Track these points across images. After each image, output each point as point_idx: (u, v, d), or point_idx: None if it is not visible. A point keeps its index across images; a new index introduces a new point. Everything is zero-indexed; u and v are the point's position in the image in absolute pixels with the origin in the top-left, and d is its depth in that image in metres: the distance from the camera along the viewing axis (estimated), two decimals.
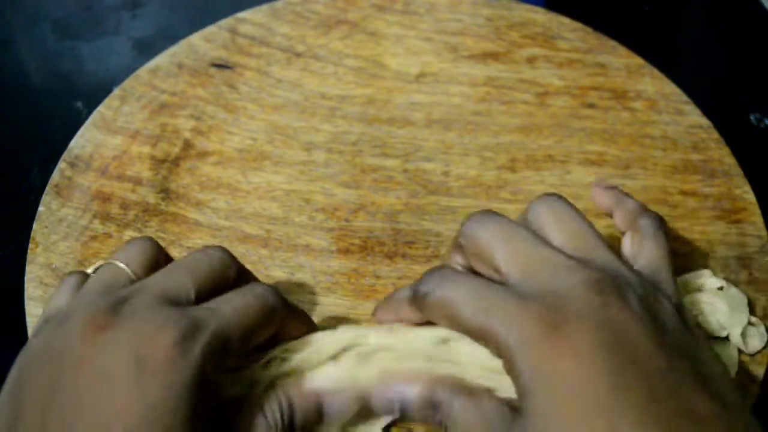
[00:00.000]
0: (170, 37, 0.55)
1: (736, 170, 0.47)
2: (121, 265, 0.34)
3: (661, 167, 0.47)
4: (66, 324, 0.31)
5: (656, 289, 0.33)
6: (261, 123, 0.50)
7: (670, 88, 0.52)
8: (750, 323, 0.40)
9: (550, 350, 0.30)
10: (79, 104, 0.54)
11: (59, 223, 0.44)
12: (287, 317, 0.35)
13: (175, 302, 0.32)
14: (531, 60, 0.53)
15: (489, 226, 0.34)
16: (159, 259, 0.35)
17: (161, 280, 0.33)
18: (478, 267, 0.35)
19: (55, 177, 0.46)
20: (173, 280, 0.33)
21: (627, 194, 0.41)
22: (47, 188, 0.46)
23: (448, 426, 0.33)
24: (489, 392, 0.34)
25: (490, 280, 0.34)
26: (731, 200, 0.46)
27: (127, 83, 0.51)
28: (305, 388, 0.34)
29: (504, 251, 0.33)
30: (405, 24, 0.55)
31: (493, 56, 0.54)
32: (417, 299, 0.34)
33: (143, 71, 0.52)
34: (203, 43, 0.54)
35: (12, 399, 0.30)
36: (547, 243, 0.34)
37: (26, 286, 0.42)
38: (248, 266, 0.42)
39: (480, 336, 0.32)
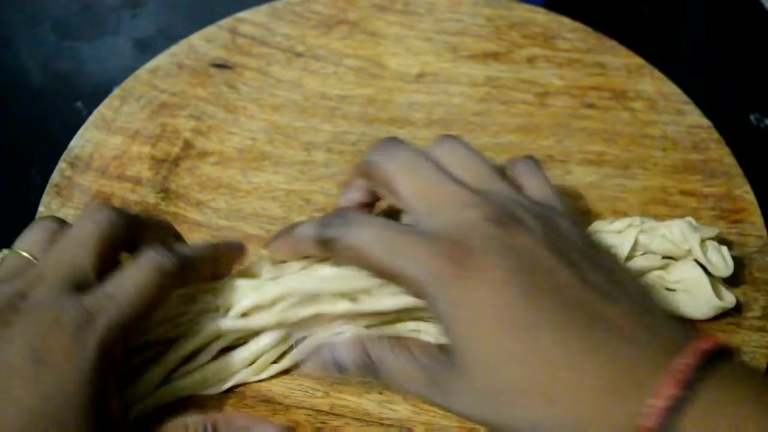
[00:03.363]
0: (170, 37, 0.55)
1: (736, 170, 0.47)
2: (23, 253, 0.34)
3: (661, 167, 0.47)
4: None
5: (553, 211, 0.35)
6: (261, 123, 0.49)
7: (670, 88, 0.52)
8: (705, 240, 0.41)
9: (462, 283, 0.31)
10: (79, 104, 0.54)
11: None
12: (197, 267, 0.36)
13: (75, 286, 0.32)
14: (531, 60, 0.53)
15: (395, 156, 0.36)
16: (60, 232, 0.35)
17: (58, 264, 0.33)
18: (382, 193, 0.37)
19: (55, 177, 0.46)
20: (69, 262, 0.33)
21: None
22: (47, 188, 0.46)
23: (384, 379, 0.35)
24: (417, 340, 0.36)
25: (392, 210, 0.36)
26: (731, 200, 0.46)
27: (127, 83, 0.51)
28: (231, 418, 0.35)
29: (409, 184, 0.35)
30: (405, 24, 0.55)
31: (493, 56, 0.54)
32: (324, 242, 0.35)
33: (143, 71, 0.52)
34: (203, 43, 0.54)
35: None
36: (450, 177, 0.35)
37: None
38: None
39: (393, 278, 0.33)
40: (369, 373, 0.35)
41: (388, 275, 0.34)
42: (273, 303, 0.38)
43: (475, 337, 0.31)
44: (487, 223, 0.33)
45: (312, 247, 0.37)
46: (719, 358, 0.28)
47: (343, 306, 0.38)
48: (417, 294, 0.33)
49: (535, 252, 0.32)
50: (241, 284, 0.38)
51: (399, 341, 0.35)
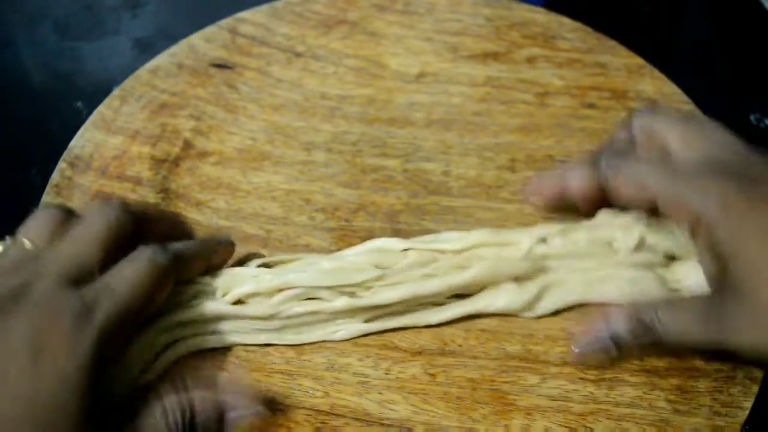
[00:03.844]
0: (170, 37, 0.55)
1: None
2: (27, 243, 0.35)
3: None
4: None
5: None
6: (261, 123, 0.50)
7: (670, 88, 0.52)
8: None
9: (752, 209, 0.34)
10: (79, 104, 0.54)
11: None
12: (190, 262, 0.37)
13: (77, 279, 0.33)
14: (531, 60, 0.53)
15: (662, 117, 0.40)
16: (66, 224, 0.36)
17: (62, 259, 0.33)
18: (646, 153, 0.40)
19: (55, 177, 0.46)
20: (74, 257, 0.34)
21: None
22: (47, 188, 0.46)
23: (662, 336, 0.37)
24: (677, 291, 0.39)
25: None
26: None
27: (127, 83, 0.51)
28: (208, 396, 0.34)
29: (679, 135, 0.38)
30: (405, 24, 0.55)
31: (493, 56, 0.54)
32: (604, 170, 0.39)
33: (143, 71, 0.52)
34: (203, 43, 0.54)
35: None
36: (713, 131, 0.39)
37: None
38: None
39: (675, 207, 0.37)
40: (645, 336, 0.37)
41: (669, 205, 0.37)
42: (270, 294, 0.38)
43: (760, 257, 0.34)
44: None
45: (586, 184, 0.40)
46: None
47: (342, 302, 0.39)
48: (696, 225, 0.36)
49: None
50: (241, 272, 0.39)
51: (666, 299, 0.39)
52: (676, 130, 0.39)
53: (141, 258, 0.35)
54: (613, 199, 0.40)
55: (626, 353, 0.38)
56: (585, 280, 0.40)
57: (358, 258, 0.40)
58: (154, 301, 0.35)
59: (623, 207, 0.41)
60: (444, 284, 0.39)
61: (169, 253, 0.36)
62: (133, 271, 0.34)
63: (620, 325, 0.38)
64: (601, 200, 0.41)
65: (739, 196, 0.35)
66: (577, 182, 0.40)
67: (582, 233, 0.41)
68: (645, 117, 0.40)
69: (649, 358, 0.39)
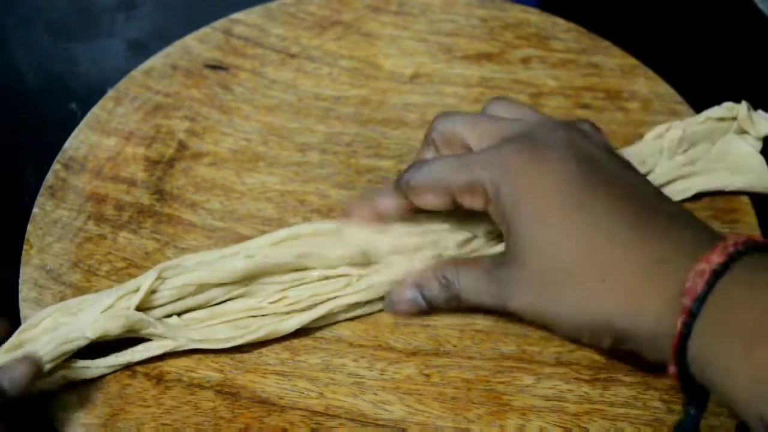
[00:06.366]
0: (164, 38, 0.55)
1: None
2: None
3: None
4: None
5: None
6: (255, 124, 0.50)
7: (664, 88, 0.52)
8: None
9: (533, 170, 0.36)
10: (73, 105, 0.54)
11: (54, 224, 0.44)
12: None
13: None
14: (525, 60, 0.53)
15: (457, 118, 0.40)
16: None
17: None
18: (449, 152, 0.41)
19: (49, 178, 0.46)
20: None
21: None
22: (41, 190, 0.46)
23: (460, 295, 0.39)
24: (487, 256, 0.41)
25: None
26: (725, 200, 0.46)
27: (122, 84, 0.51)
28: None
29: (474, 131, 0.39)
30: (399, 25, 0.55)
31: (487, 57, 0.54)
32: (402, 186, 0.39)
33: (137, 72, 0.52)
34: (197, 44, 0.54)
35: None
36: (506, 120, 0.40)
37: (20, 288, 0.42)
38: None
39: (468, 189, 0.37)
40: (450, 295, 0.39)
41: (463, 189, 0.37)
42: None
43: (534, 220, 0.35)
44: (554, 127, 0.38)
45: (391, 197, 0.41)
46: (759, 249, 0.31)
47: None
48: (487, 200, 0.37)
49: (591, 152, 0.37)
50: (142, 321, 0.38)
51: (469, 260, 0.40)
52: (470, 129, 0.39)
53: None
54: (423, 207, 0.40)
55: (437, 307, 0.40)
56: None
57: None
58: None
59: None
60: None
61: None
62: None
63: (429, 283, 0.39)
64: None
65: (518, 155, 0.36)
66: (385, 205, 0.41)
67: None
68: (441, 122, 0.41)
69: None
